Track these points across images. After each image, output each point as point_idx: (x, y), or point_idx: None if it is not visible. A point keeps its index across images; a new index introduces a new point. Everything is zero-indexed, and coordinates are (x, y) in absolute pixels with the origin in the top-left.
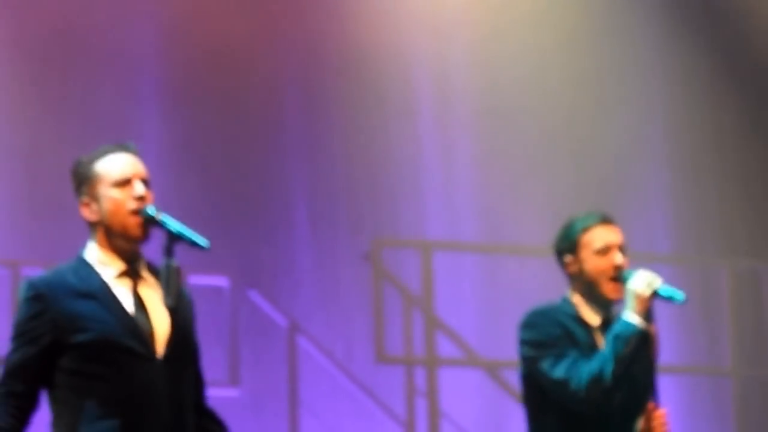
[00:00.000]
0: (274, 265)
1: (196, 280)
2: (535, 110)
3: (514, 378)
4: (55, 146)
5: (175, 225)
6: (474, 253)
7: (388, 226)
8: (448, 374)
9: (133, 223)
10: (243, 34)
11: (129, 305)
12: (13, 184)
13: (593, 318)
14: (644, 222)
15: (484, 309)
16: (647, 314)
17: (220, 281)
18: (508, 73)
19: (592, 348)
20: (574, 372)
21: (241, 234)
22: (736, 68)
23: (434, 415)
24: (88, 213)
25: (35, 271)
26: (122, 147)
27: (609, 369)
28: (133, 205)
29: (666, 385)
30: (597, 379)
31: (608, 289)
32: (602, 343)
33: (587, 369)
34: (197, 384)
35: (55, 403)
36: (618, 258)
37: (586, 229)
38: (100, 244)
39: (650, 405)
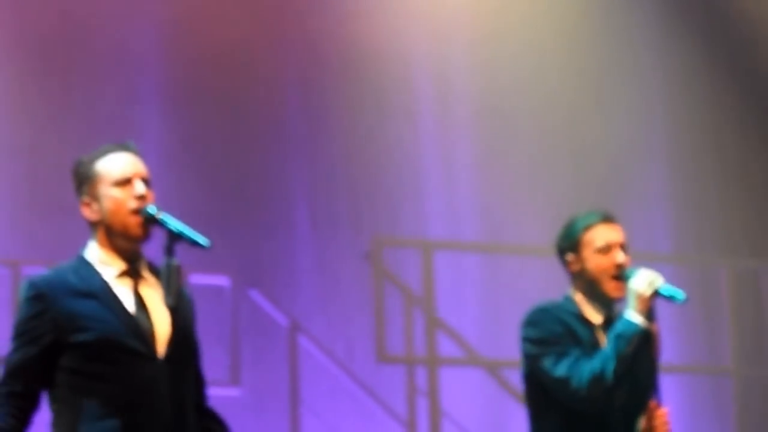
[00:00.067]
0: (275, 264)
1: (196, 279)
2: (535, 110)
3: (514, 377)
4: (56, 146)
5: (175, 224)
6: (474, 252)
7: (389, 225)
8: (448, 374)
9: (134, 223)
10: (244, 34)
11: (130, 305)
12: (14, 184)
13: (595, 316)
14: (644, 222)
15: (484, 308)
16: (649, 313)
17: (221, 281)
18: (508, 73)
19: (594, 346)
20: (576, 370)
21: (242, 233)
22: (736, 68)
23: (435, 414)
24: (89, 212)
25: (36, 271)
26: (123, 146)
27: (610, 368)
28: (133, 204)
29: (666, 385)
30: (598, 378)
31: (610, 287)
32: (604, 341)
33: (589, 368)
34: (198, 384)
35: (55, 402)
36: (620, 256)
37: (587, 228)
38: (101, 244)
39: (652, 404)
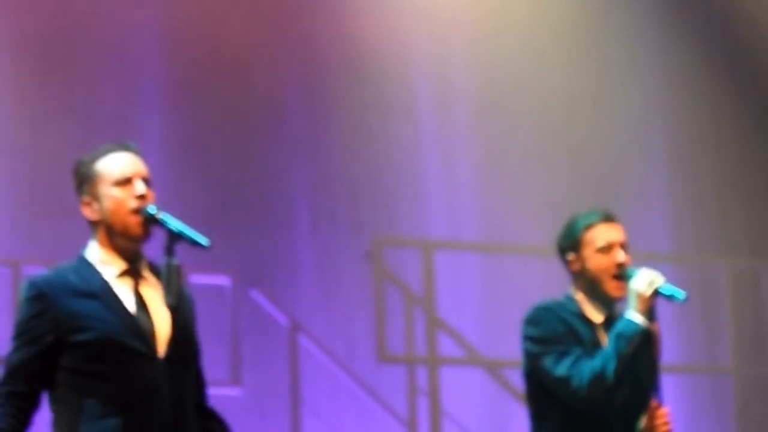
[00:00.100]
0: (276, 264)
1: (197, 279)
2: (535, 110)
3: (515, 377)
4: (56, 146)
5: (175, 224)
6: (475, 252)
7: (389, 225)
8: (449, 373)
9: (134, 222)
10: (244, 34)
11: (130, 304)
12: (15, 184)
13: (596, 315)
14: (644, 221)
15: (485, 308)
16: (649, 313)
17: (222, 280)
18: (508, 73)
19: (595, 345)
20: (576, 370)
21: (243, 233)
22: (736, 68)
23: (436, 414)
24: (90, 212)
25: (36, 271)
26: (123, 146)
27: (611, 367)
28: (133, 204)
29: (666, 385)
30: (599, 378)
31: (611, 286)
32: (605, 340)
33: (589, 367)
34: (198, 383)
35: (56, 402)
36: (620, 256)
37: (588, 227)
38: (102, 244)
39: (653, 404)
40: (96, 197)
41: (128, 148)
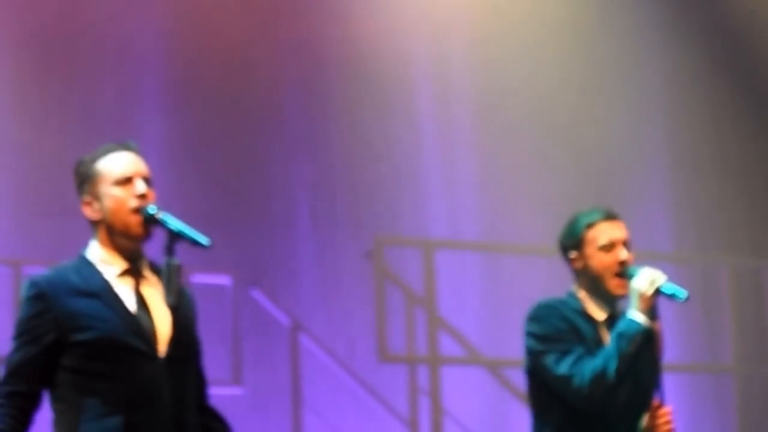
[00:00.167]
0: (276, 263)
1: (198, 279)
2: (535, 110)
3: (516, 376)
4: (57, 145)
5: (176, 223)
6: (475, 251)
7: (390, 224)
8: (450, 372)
9: (135, 222)
10: (244, 34)
11: (131, 304)
12: (16, 183)
13: (598, 313)
14: (645, 221)
15: (486, 307)
16: (651, 312)
17: (223, 280)
18: (508, 73)
19: (597, 343)
20: (578, 369)
21: (243, 233)
22: (736, 68)
23: (437, 413)
24: (90, 212)
25: (37, 270)
26: (124, 146)
27: (612, 366)
28: (134, 203)
29: (668, 383)
30: (600, 377)
31: (613, 284)
32: (607, 338)
33: (591, 366)
34: (199, 383)
35: (57, 401)
36: (623, 254)
37: (590, 225)
38: (102, 243)
39: (655, 403)
40: (97, 197)
41: (129, 148)
